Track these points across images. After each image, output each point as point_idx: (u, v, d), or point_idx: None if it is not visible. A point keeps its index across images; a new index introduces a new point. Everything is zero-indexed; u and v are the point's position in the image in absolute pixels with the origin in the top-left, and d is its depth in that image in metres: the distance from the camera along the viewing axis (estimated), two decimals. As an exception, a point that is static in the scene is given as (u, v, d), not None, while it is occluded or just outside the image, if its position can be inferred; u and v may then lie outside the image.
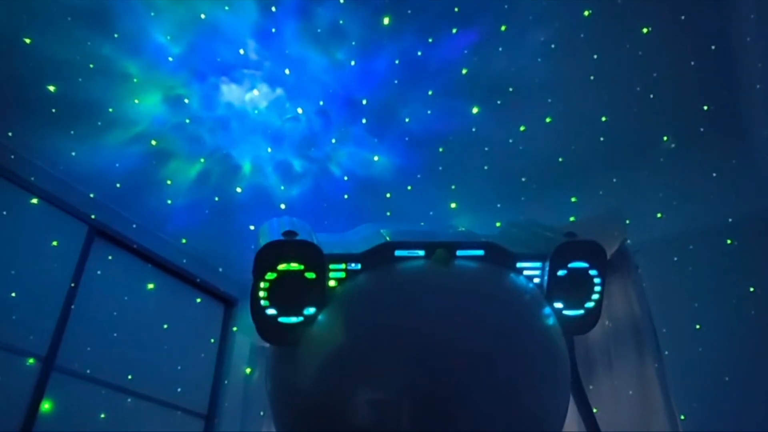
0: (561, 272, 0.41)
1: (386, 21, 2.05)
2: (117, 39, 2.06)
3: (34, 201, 2.52)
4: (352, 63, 2.20)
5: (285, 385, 0.40)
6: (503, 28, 2.08)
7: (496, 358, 0.36)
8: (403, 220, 2.92)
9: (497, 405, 0.35)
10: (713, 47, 2.11)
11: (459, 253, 0.40)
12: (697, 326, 2.06)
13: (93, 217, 2.71)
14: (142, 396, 2.73)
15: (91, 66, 2.13)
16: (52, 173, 2.57)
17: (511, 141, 2.50)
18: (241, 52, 2.15)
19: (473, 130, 2.46)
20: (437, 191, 2.80)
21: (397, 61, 2.20)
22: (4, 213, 2.40)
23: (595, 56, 2.17)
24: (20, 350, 2.33)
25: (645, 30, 2.08)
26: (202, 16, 2.02)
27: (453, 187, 2.77)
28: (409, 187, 2.76)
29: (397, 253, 0.39)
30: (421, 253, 0.39)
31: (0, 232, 2.36)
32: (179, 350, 2.96)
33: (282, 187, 2.73)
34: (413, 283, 0.38)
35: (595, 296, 0.42)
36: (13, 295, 2.34)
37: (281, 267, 0.37)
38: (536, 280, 0.42)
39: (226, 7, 2.00)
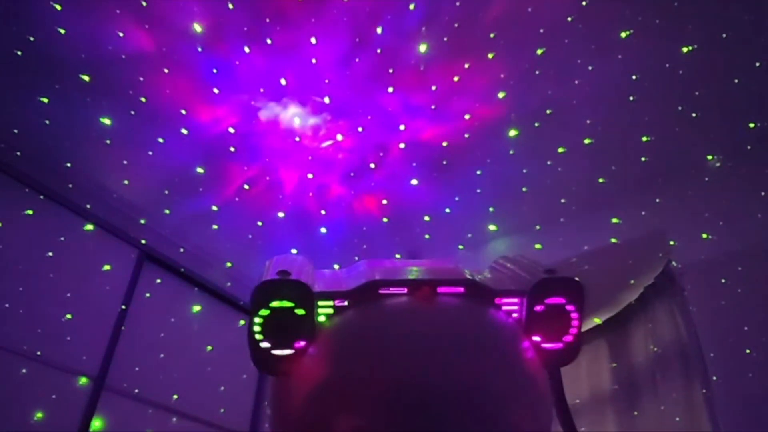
0: (538, 307, 0.43)
1: (423, 48, 2.10)
2: (167, 73, 2.18)
3: (89, 227, 2.64)
4: (390, 90, 2.25)
5: (278, 412, 0.43)
6: (539, 51, 2.09)
7: (474, 390, 0.37)
8: (441, 242, 2.93)
9: None
10: (758, 64, 2.07)
11: (440, 290, 0.42)
12: (747, 351, 1.98)
13: (143, 242, 2.82)
14: (187, 415, 2.79)
15: (143, 100, 2.25)
16: (106, 201, 2.70)
17: (549, 163, 2.49)
18: (283, 82, 2.23)
19: (511, 152, 2.47)
20: (476, 214, 2.80)
21: (434, 87, 2.23)
22: (62, 239, 2.52)
23: (634, 77, 2.16)
24: (73, 370, 2.42)
25: (685, 49, 2.07)
26: (246, 50, 2.11)
27: (491, 209, 2.77)
28: (447, 210, 2.78)
29: (381, 290, 0.42)
30: (404, 290, 0.42)
31: (57, 256, 2.48)
32: (222, 371, 3.02)
33: (323, 212, 2.78)
34: (395, 319, 0.40)
35: (573, 330, 0.44)
36: (69, 316, 2.44)
37: (273, 304, 0.41)
38: (515, 315, 0.44)
39: (268, 40, 2.09)
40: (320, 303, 0.42)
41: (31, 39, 2.03)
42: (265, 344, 0.41)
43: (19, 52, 2.07)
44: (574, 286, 0.43)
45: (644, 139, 2.36)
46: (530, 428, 0.39)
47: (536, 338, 0.43)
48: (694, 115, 2.25)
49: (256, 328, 0.41)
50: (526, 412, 0.39)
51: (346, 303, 0.42)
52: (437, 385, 0.36)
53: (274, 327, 0.41)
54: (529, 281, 0.43)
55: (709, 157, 2.45)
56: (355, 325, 0.41)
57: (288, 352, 0.41)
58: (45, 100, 2.24)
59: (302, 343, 0.41)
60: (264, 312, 0.41)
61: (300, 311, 0.41)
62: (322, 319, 0.42)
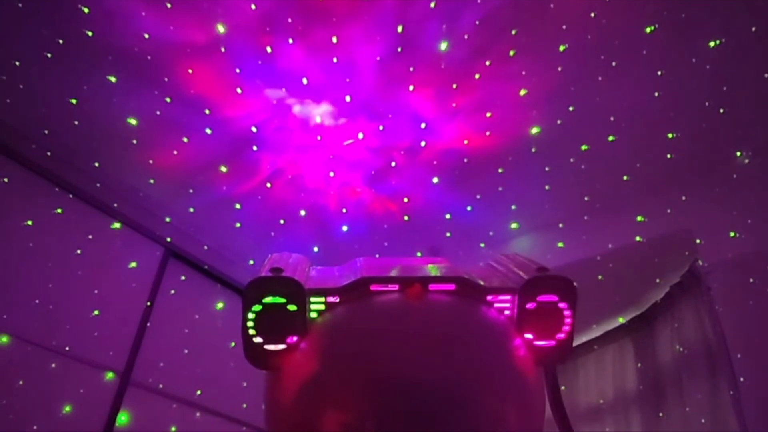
0: (530, 305, 0.43)
1: (443, 46, 2.10)
2: (192, 74, 2.21)
3: (117, 225, 2.70)
4: (411, 88, 2.25)
5: (270, 406, 0.44)
6: (562, 48, 2.07)
7: (463, 387, 0.37)
8: (463, 240, 2.91)
9: None
10: (788, 58, 2.02)
11: (431, 287, 0.42)
12: (776, 352, 1.94)
13: (168, 240, 2.87)
14: (210, 410, 2.83)
15: (168, 100, 2.29)
16: (133, 199, 2.75)
17: (572, 160, 2.46)
18: (305, 81, 2.25)
19: (533, 150, 2.45)
20: (497, 212, 2.79)
21: (454, 86, 2.23)
22: (90, 237, 2.58)
23: (659, 72, 2.12)
24: (100, 365, 2.48)
25: (712, 43, 2.02)
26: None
27: (513, 207, 2.75)
28: (469, 208, 2.77)
29: (373, 287, 0.42)
30: (395, 287, 0.42)
31: (86, 254, 2.53)
32: (245, 367, 3.02)
33: (344, 210, 2.80)
34: (384, 316, 0.41)
35: (566, 328, 0.43)
36: (96, 313, 2.50)
37: (266, 300, 0.41)
38: (507, 313, 0.44)
39: (290, 40, 2.11)
40: (312, 299, 0.42)
41: (60, 42, 2.08)
42: (257, 339, 0.42)
43: (49, 55, 2.12)
44: (566, 285, 0.43)
45: (670, 135, 2.32)
46: (521, 426, 0.38)
47: (528, 336, 0.43)
48: (721, 110, 2.20)
49: (249, 324, 0.42)
50: (517, 410, 0.39)
51: (337, 299, 0.43)
52: (425, 382, 0.37)
53: (266, 322, 0.42)
54: (521, 279, 0.43)
55: (738, 154, 2.39)
56: (345, 321, 0.42)
57: (280, 347, 0.42)
58: (74, 101, 2.30)
59: (294, 339, 0.42)
60: (257, 308, 0.42)
61: (292, 307, 0.41)
62: (314, 315, 0.43)
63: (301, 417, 0.39)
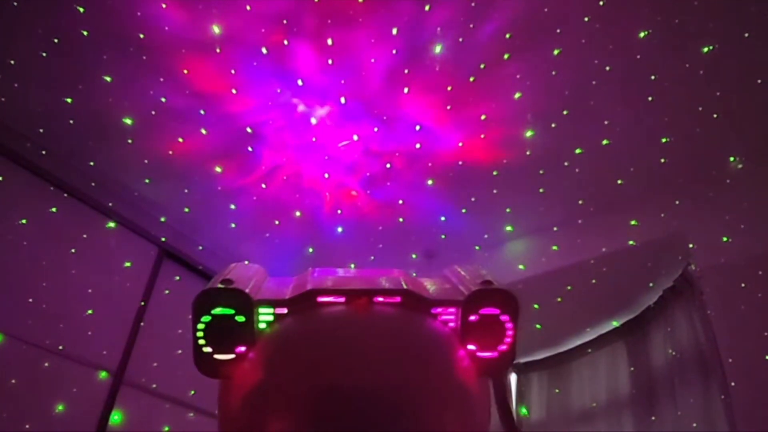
0: (472, 318, 0.44)
1: (437, 49, 2.10)
2: (187, 74, 2.21)
3: (111, 225, 2.70)
4: (406, 90, 2.26)
5: (221, 414, 0.45)
6: (556, 52, 2.08)
7: (402, 396, 0.38)
8: (457, 242, 2.92)
9: None
10: (780, 64, 2.03)
11: (377, 299, 0.43)
12: (767, 357, 1.95)
13: (163, 239, 2.87)
14: (203, 411, 2.83)
15: (163, 100, 2.29)
16: (128, 199, 2.75)
17: (566, 164, 2.47)
18: (300, 83, 2.26)
19: (527, 153, 2.46)
20: (492, 214, 2.79)
21: (449, 88, 2.24)
22: (85, 236, 2.58)
23: (653, 77, 2.13)
24: (94, 364, 2.48)
25: (705, 49, 2.04)
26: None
27: (508, 210, 2.76)
28: (463, 210, 2.78)
29: (320, 299, 0.44)
30: (342, 299, 0.44)
31: (80, 253, 2.53)
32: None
33: (339, 211, 2.80)
34: (328, 326, 0.42)
35: (508, 340, 0.45)
36: (90, 312, 2.50)
37: (215, 311, 0.43)
38: (452, 325, 0.45)
39: (285, 41, 2.11)
40: (261, 310, 0.44)
41: (56, 41, 2.09)
42: (207, 349, 0.43)
43: (44, 54, 2.13)
44: (507, 298, 0.44)
45: (663, 140, 2.33)
46: None
47: (471, 347, 0.44)
48: (715, 115, 2.21)
49: (199, 334, 0.43)
50: (458, 419, 0.40)
51: (285, 311, 0.44)
52: (366, 391, 0.37)
53: (215, 333, 0.43)
54: (466, 291, 0.44)
55: (731, 159, 2.40)
56: (290, 332, 0.43)
57: (229, 356, 0.43)
58: (69, 100, 2.30)
59: (242, 349, 0.43)
60: (206, 318, 0.43)
61: (240, 318, 0.43)
62: (263, 326, 0.44)
63: (248, 424, 0.40)
